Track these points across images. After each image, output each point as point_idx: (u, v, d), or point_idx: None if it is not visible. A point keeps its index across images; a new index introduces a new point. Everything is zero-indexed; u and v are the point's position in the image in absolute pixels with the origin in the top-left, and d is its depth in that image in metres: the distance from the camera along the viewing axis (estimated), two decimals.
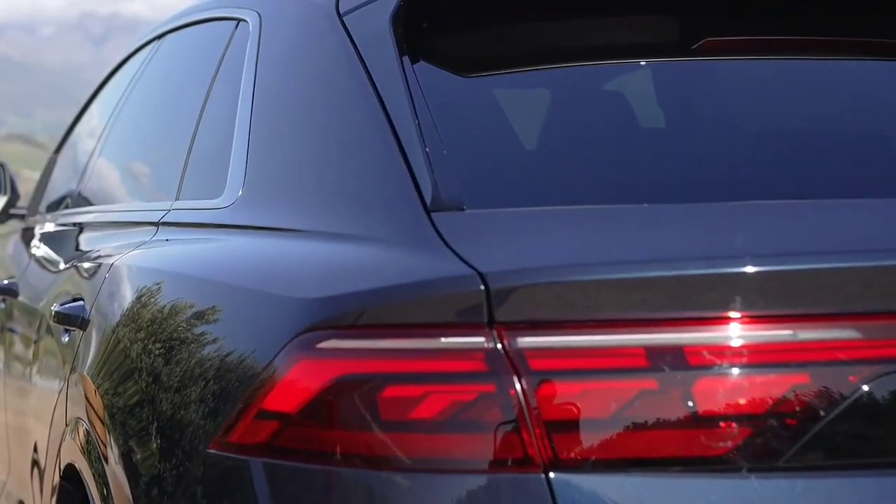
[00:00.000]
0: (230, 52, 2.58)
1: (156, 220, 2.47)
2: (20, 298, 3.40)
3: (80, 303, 2.50)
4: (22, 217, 4.25)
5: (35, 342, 3.00)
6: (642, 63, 2.24)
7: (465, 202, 1.73)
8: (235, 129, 2.28)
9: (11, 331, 3.47)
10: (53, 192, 4.14)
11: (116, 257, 2.43)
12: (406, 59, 2.02)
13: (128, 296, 2.25)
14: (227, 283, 1.94)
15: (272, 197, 2.10)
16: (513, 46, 2.21)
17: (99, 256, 2.63)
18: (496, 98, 2.13)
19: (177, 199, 2.49)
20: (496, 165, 1.94)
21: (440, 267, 1.62)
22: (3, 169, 4.24)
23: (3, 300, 3.62)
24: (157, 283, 2.16)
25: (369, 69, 2.01)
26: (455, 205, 1.73)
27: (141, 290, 2.20)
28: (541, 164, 1.96)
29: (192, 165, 2.52)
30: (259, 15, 2.47)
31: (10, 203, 4.23)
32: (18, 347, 3.32)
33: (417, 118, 1.87)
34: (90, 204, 3.33)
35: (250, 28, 2.48)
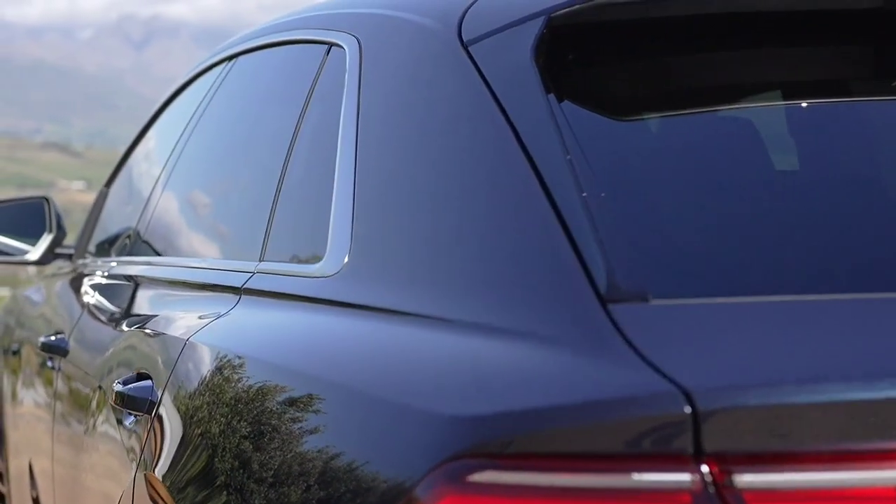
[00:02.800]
0: (321, 82, 2.31)
1: (237, 284, 2.19)
2: (71, 359, 3.14)
3: (148, 383, 2.24)
4: (69, 257, 4.01)
5: (90, 418, 2.74)
6: (841, 104, 1.94)
7: (649, 290, 1.44)
8: (336, 177, 2.01)
9: (62, 394, 3.22)
10: (105, 230, 3.90)
11: (192, 330, 2.16)
12: (552, 98, 1.73)
13: (209, 383, 1.97)
14: (340, 382, 1.65)
15: (388, 268, 1.81)
16: (684, 82, 1.92)
17: (168, 325, 2.36)
18: (671, 149, 1.82)
19: (261, 259, 2.21)
20: (681, 239, 1.64)
21: (628, 379, 1.33)
22: (49, 203, 3.99)
23: (51, 358, 3.37)
24: (247, 372, 1.88)
25: (509, 114, 1.73)
26: (637, 293, 1.44)
27: (226, 378, 1.92)
28: (736, 237, 1.65)
29: (279, 217, 2.24)
30: (358, 41, 2.20)
31: (56, 241, 3.98)
32: (71, 418, 3.07)
33: (577, 176, 1.59)
34: (151, 252, 3.07)
35: (347, 55, 2.20)
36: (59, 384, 3.24)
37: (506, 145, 1.69)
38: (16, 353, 4.17)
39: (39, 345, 3.39)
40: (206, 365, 2.02)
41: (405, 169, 1.89)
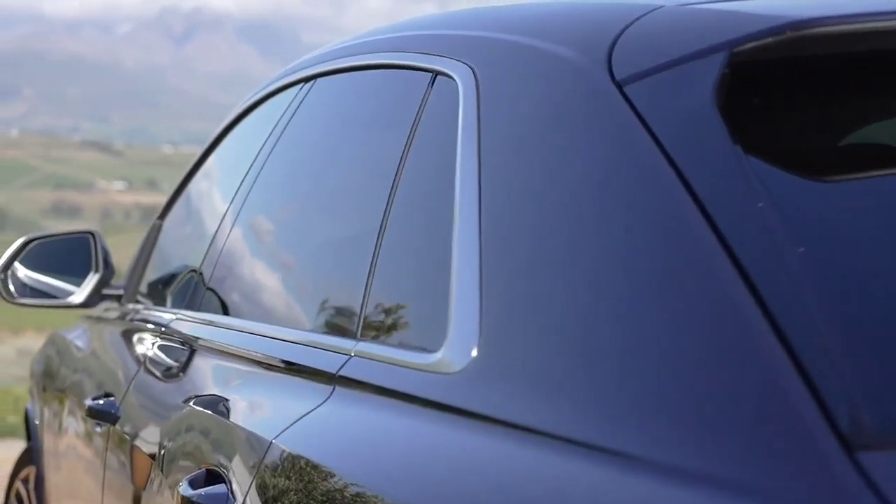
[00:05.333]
0: (426, 118, 2.01)
1: (330, 370, 1.88)
2: (122, 429, 2.86)
3: (222, 489, 1.95)
4: (117, 298, 3.74)
5: None
6: None
7: None
8: (456, 238, 1.70)
9: (112, 465, 2.95)
10: (158, 271, 3.63)
11: (276, 427, 1.86)
12: (738, 153, 1.43)
13: (299, 501, 1.68)
14: None
15: (534, 370, 1.48)
16: None
17: (244, 413, 2.07)
18: None
19: (359, 336, 1.91)
20: None
21: None
22: (94, 238, 3.73)
23: (99, 424, 3.10)
24: (347, 496, 1.58)
25: (685, 174, 1.42)
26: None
27: (321, 500, 1.63)
28: None
29: (379, 282, 1.93)
30: (473, 72, 1.90)
31: (104, 281, 3.72)
32: (124, 494, 2.79)
33: (788, 264, 1.29)
34: (217, 307, 2.76)
35: (460, 89, 1.90)
36: (110, 453, 2.97)
37: (684, 214, 1.39)
38: (60, 390, 3.92)
39: (86, 408, 3.11)
40: (297, 478, 1.72)
41: (550, 238, 1.58)
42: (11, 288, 3.69)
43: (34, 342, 20.02)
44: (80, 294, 3.68)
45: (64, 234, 3.83)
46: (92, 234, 3.75)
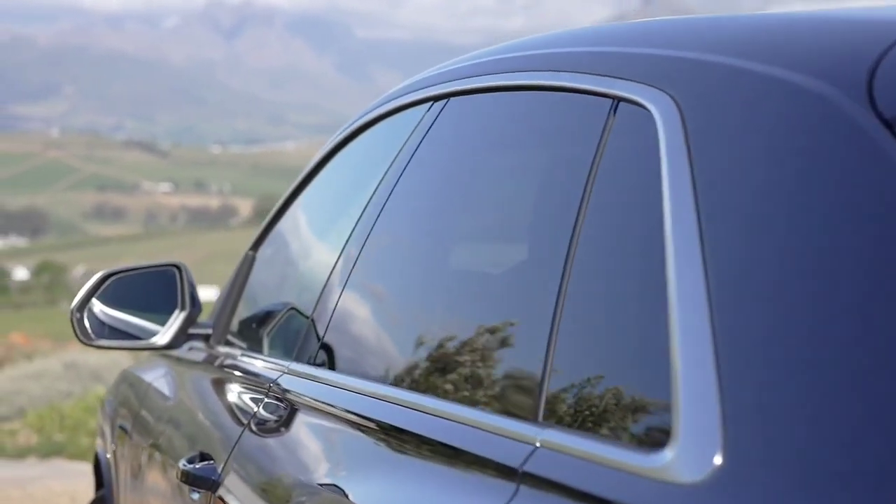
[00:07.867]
0: (610, 154, 1.75)
1: (512, 463, 1.59)
2: (225, 500, 2.62)
3: None
4: (204, 338, 3.51)
5: None
6: None
7: None
8: (674, 301, 1.43)
9: None
10: (252, 308, 3.39)
11: None
12: None
13: None
14: None
15: (809, 484, 1.20)
16: None
17: None
18: None
19: (542, 419, 1.65)
20: None
21: None
22: (181, 272, 3.50)
23: (196, 490, 2.86)
24: None
25: None
26: None
27: None
28: None
29: (567, 350, 1.65)
30: (676, 103, 1.63)
31: (190, 319, 3.50)
32: None
33: None
34: (340, 366, 2.50)
35: (659, 122, 1.63)
36: None
37: None
38: (144, 441, 3.69)
39: (181, 471, 2.87)
40: None
41: (814, 309, 1.30)
42: (88, 327, 3.48)
43: (80, 355, 20.05)
44: (164, 334, 3.47)
45: (146, 267, 3.61)
46: (178, 267, 3.53)
